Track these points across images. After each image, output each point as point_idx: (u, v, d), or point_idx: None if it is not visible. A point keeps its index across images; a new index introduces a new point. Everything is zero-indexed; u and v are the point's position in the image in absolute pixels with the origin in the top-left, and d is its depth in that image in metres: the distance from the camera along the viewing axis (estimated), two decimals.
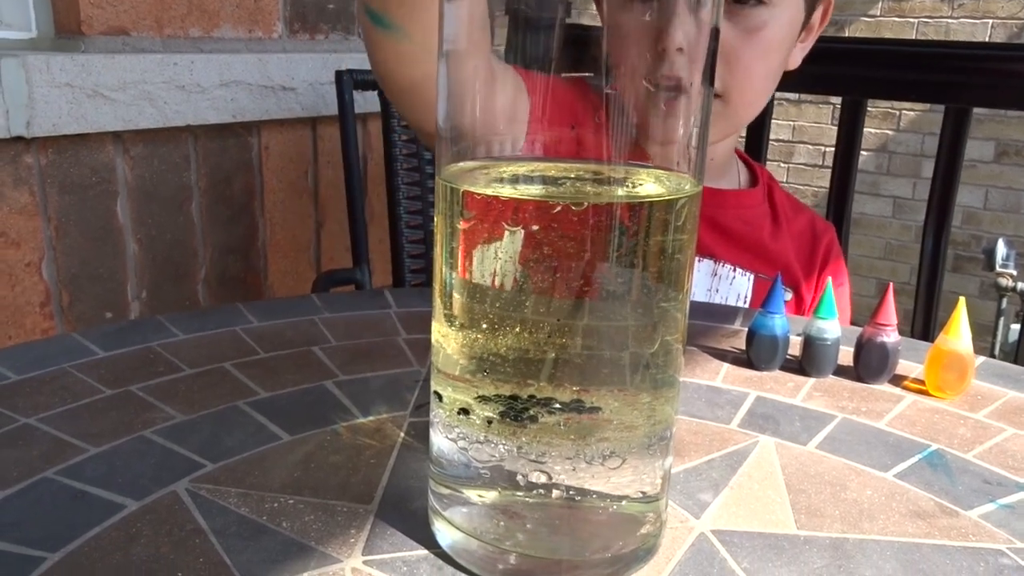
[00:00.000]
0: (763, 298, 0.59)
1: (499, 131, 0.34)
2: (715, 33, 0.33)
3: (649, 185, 0.34)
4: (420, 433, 0.47)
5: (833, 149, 1.22)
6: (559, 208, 0.32)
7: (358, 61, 1.42)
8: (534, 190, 0.34)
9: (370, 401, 0.51)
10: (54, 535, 0.37)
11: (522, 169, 0.35)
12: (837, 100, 1.28)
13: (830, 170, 1.25)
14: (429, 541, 0.37)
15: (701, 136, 0.34)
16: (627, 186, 0.34)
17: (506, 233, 0.32)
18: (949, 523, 0.40)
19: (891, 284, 0.58)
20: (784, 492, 0.43)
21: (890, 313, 0.56)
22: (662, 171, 0.34)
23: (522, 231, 0.32)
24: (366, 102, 1.28)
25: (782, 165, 3.83)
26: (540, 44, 0.34)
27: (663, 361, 0.34)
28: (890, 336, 0.56)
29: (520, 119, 0.33)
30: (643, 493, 0.35)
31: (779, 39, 0.80)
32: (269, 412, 0.49)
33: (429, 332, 0.63)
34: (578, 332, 0.33)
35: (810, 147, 3.79)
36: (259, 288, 1.38)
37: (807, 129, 3.78)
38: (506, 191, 0.33)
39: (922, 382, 0.56)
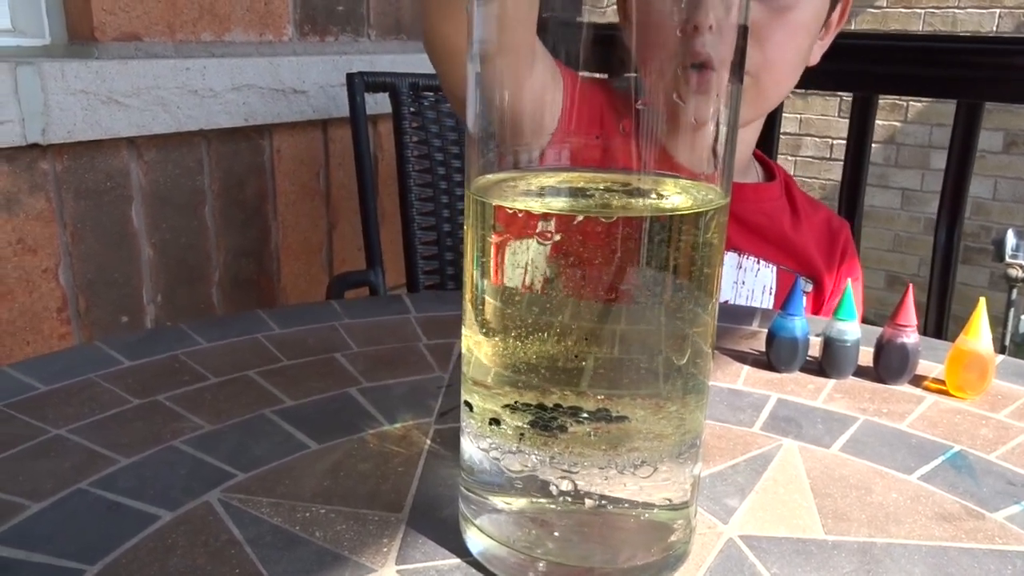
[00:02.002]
0: (787, 288, 0.59)
1: (529, 130, 0.35)
2: (743, 31, 0.33)
3: (676, 197, 0.34)
4: (446, 440, 0.47)
5: (840, 141, 1.23)
6: (588, 221, 0.32)
7: (367, 63, 1.42)
8: (563, 203, 0.35)
9: (395, 408, 0.51)
10: (91, 547, 0.37)
11: (550, 180, 0.36)
12: (844, 92, 1.28)
13: (837, 162, 1.25)
14: (461, 549, 0.38)
15: (729, 138, 0.34)
16: (655, 197, 0.34)
17: (536, 246, 0.33)
18: (975, 526, 0.41)
19: (911, 285, 0.58)
20: (810, 496, 0.43)
21: (910, 314, 0.56)
22: (689, 181, 0.34)
23: (551, 244, 0.32)
24: (376, 104, 1.28)
25: (789, 158, 3.83)
26: (565, 43, 0.34)
27: (692, 370, 0.35)
28: (910, 337, 0.56)
29: (551, 114, 0.34)
30: (674, 501, 0.35)
31: (806, 22, 0.82)
32: (295, 420, 0.50)
33: (449, 337, 0.63)
34: (607, 343, 0.33)
35: (817, 140, 3.78)
36: (272, 291, 1.39)
37: (814, 122, 3.77)
38: (536, 205, 0.34)
39: (942, 382, 0.56)
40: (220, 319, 0.66)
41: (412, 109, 1.22)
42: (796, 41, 0.82)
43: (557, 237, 0.32)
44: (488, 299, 0.35)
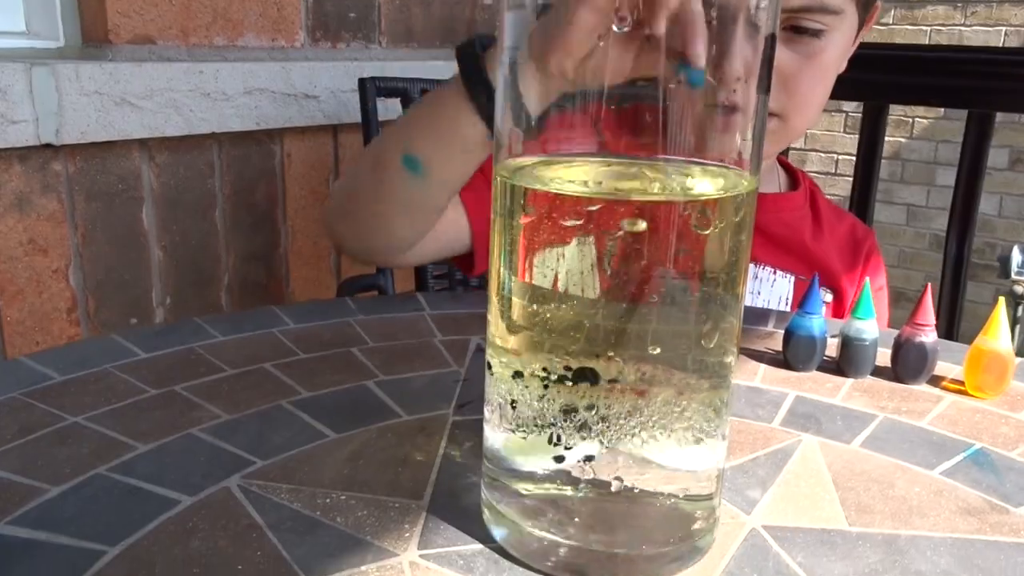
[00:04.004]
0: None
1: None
2: (771, 39, 0.33)
3: (706, 183, 0.34)
4: (464, 431, 0.47)
5: (845, 157, 1.23)
6: (619, 204, 0.32)
7: (378, 68, 1.42)
8: (593, 186, 0.35)
9: (412, 400, 0.51)
10: (112, 529, 0.37)
11: (581, 168, 0.36)
12: (850, 107, 1.28)
13: (843, 177, 1.25)
14: (483, 535, 0.37)
15: (758, 136, 0.34)
16: (685, 182, 0.34)
17: (565, 228, 0.33)
18: (1000, 520, 0.40)
19: (929, 285, 0.58)
20: (832, 489, 0.43)
21: (928, 313, 0.56)
22: (718, 167, 0.34)
23: (582, 227, 0.32)
24: (387, 109, 1.28)
25: None
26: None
27: (717, 359, 0.34)
28: (928, 336, 0.56)
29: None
30: (698, 491, 0.35)
31: (834, 60, 0.81)
32: (313, 411, 0.49)
33: (464, 334, 0.63)
34: (636, 332, 0.33)
35: (823, 155, 3.79)
36: (281, 294, 1.39)
37: (819, 137, 3.78)
38: (566, 187, 0.34)
39: (961, 383, 0.56)
40: (235, 315, 0.66)
41: None
42: (825, 83, 0.81)
43: (586, 220, 0.32)
44: (516, 292, 0.35)
